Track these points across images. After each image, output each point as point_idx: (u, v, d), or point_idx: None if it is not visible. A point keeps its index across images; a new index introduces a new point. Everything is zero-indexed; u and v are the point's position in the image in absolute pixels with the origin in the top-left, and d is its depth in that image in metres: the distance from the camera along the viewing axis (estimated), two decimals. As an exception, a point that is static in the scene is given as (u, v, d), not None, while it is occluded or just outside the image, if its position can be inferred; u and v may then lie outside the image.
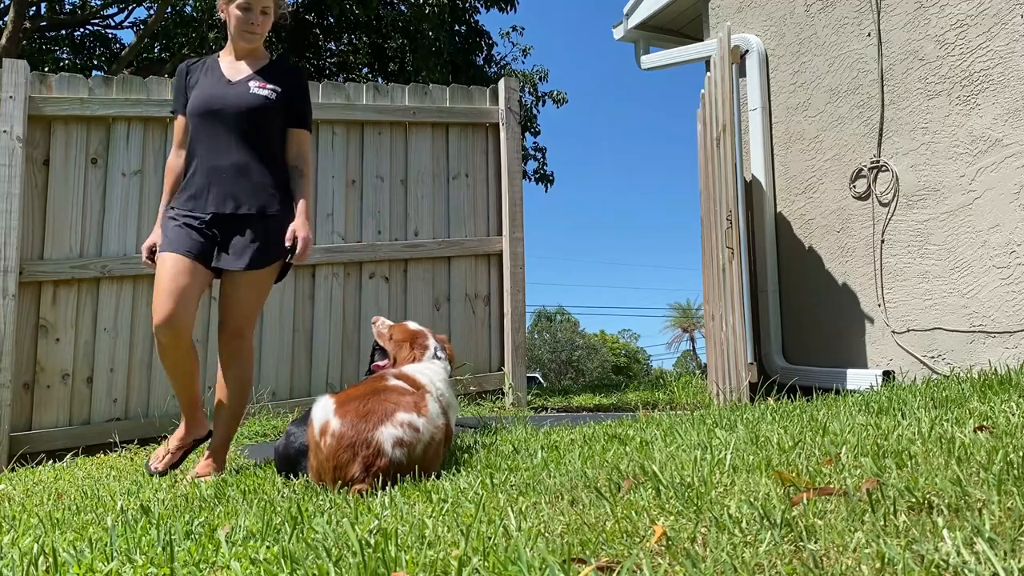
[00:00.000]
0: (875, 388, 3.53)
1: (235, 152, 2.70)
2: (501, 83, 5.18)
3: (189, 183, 2.72)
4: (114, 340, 4.14)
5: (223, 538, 1.36)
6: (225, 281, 2.74)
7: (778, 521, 1.08)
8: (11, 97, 3.96)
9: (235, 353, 2.75)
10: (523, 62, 17.17)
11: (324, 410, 2.08)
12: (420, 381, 2.32)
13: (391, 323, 2.76)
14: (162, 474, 2.78)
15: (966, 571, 0.84)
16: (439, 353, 2.59)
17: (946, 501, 1.11)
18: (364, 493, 1.87)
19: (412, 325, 2.73)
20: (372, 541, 1.20)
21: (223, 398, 2.75)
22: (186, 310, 2.60)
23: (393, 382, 2.24)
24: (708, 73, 4.97)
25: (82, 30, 14.30)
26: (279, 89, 2.77)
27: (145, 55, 13.99)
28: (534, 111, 14.92)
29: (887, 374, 3.98)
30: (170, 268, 2.61)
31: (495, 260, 5.06)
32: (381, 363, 2.75)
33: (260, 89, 2.75)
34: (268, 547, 1.27)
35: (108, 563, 1.25)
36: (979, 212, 3.67)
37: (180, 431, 2.86)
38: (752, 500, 1.23)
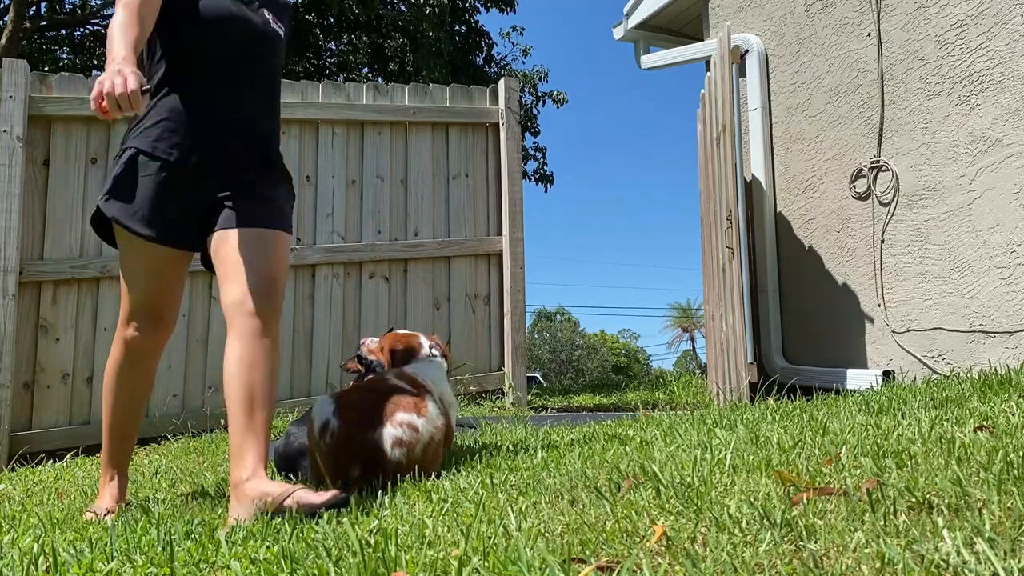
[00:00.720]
0: (875, 388, 3.53)
1: (254, 96, 2.11)
2: (501, 83, 5.18)
3: (178, 124, 1.96)
4: (114, 340, 4.14)
5: (223, 538, 1.36)
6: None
7: (778, 521, 1.08)
8: (11, 97, 3.96)
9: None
10: (523, 62, 17.18)
11: (324, 410, 2.08)
12: (420, 381, 2.32)
13: (377, 338, 2.75)
14: None
15: (966, 571, 0.84)
16: (434, 351, 2.57)
17: (946, 501, 1.11)
18: (364, 493, 1.87)
19: (400, 332, 2.73)
20: (372, 541, 1.20)
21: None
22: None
23: (393, 382, 2.24)
24: (708, 73, 4.97)
25: (82, 30, 14.30)
26: (284, 30, 2.22)
27: (145, 55, 13.97)
28: (534, 111, 14.93)
29: (887, 374, 3.98)
30: (152, 257, 2.00)
31: (495, 260, 5.06)
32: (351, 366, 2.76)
33: (276, 25, 2.15)
34: (268, 547, 1.27)
35: (108, 563, 1.25)
36: (979, 212, 3.67)
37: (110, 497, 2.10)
38: (752, 500, 1.23)
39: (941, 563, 0.87)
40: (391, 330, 2.71)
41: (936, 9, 3.91)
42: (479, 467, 2.11)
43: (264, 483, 1.71)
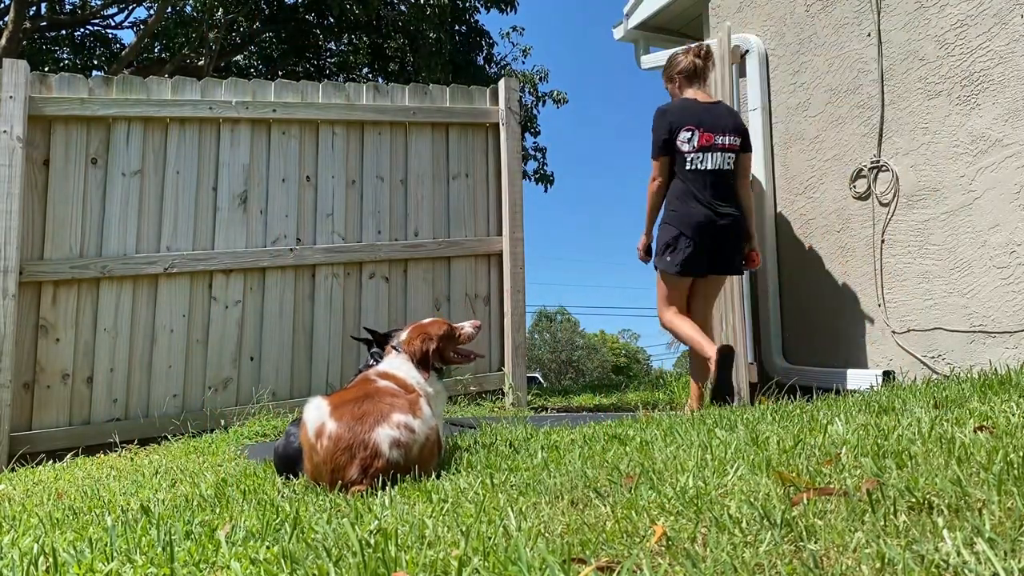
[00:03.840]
0: (875, 388, 3.53)
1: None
2: (501, 83, 5.18)
3: None
4: (114, 340, 4.14)
5: (223, 538, 1.36)
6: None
7: (778, 521, 1.08)
8: (11, 97, 3.96)
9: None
10: (523, 62, 17.20)
11: (318, 412, 2.07)
12: (405, 380, 2.31)
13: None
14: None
15: (966, 571, 0.84)
16: (396, 346, 2.53)
17: (946, 501, 1.10)
18: (364, 494, 1.87)
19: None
20: (372, 541, 1.20)
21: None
22: None
23: (382, 383, 2.24)
24: (708, 73, 4.96)
25: (82, 30, 14.31)
26: None
27: (145, 55, 14.00)
28: (534, 111, 14.93)
29: (887, 374, 3.98)
30: None
31: (495, 260, 5.06)
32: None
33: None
34: (268, 547, 1.27)
35: (108, 563, 1.25)
36: (979, 212, 3.67)
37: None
38: (752, 500, 1.23)
39: (941, 563, 0.87)
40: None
41: (936, 9, 3.91)
42: (479, 467, 2.11)
43: None
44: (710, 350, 3.27)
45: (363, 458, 1.95)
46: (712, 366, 3.24)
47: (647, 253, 3.64)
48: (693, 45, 3.77)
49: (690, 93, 3.62)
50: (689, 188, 3.42)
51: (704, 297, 3.57)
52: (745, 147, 3.59)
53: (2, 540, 1.56)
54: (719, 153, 3.46)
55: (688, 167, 3.45)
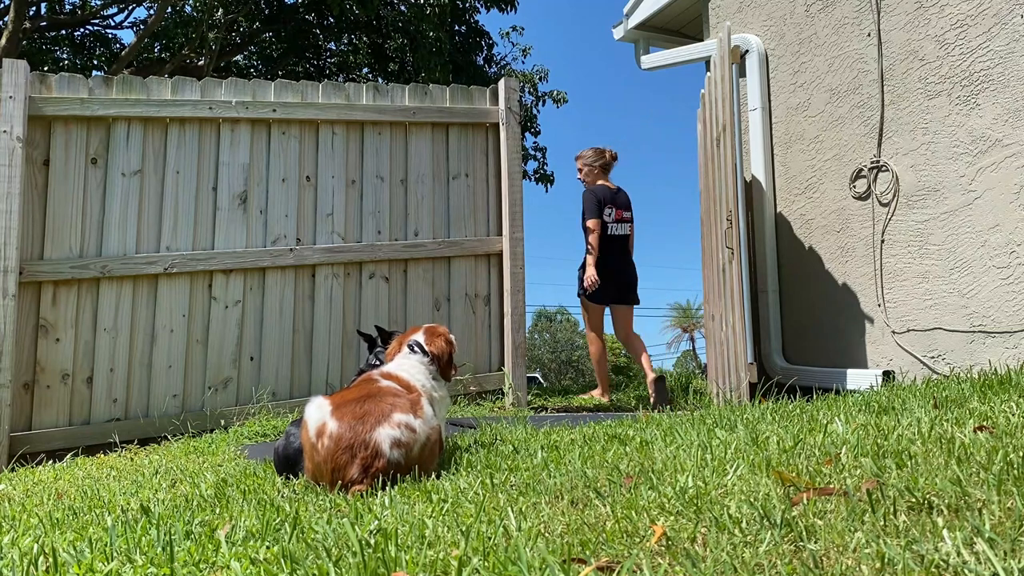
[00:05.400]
0: (875, 388, 3.53)
1: None
2: (501, 83, 5.18)
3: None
4: (114, 340, 4.14)
5: (223, 538, 1.36)
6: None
7: (778, 521, 1.08)
8: (11, 97, 3.96)
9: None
10: (523, 62, 17.21)
11: (320, 412, 2.07)
12: (409, 381, 2.31)
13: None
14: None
15: (966, 571, 0.84)
16: (415, 347, 2.54)
17: (946, 501, 1.11)
18: (364, 494, 1.87)
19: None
20: (372, 541, 1.20)
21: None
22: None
23: (384, 383, 2.24)
24: (708, 73, 4.97)
25: (82, 30, 14.30)
26: None
27: (145, 55, 14.00)
28: (534, 111, 14.92)
29: (887, 374, 3.98)
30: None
31: (495, 260, 5.06)
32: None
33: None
34: (268, 547, 1.27)
35: (108, 563, 1.25)
36: (979, 212, 3.67)
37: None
38: (752, 500, 1.23)
39: (941, 563, 0.87)
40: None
41: (936, 9, 3.91)
42: (479, 467, 2.11)
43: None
44: (602, 390, 5.18)
45: (364, 458, 1.95)
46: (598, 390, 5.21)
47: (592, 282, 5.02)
48: (609, 148, 5.23)
49: (602, 181, 5.13)
50: (608, 247, 4.97)
51: (622, 319, 5.13)
52: (631, 219, 5.19)
53: (2, 540, 1.56)
54: (624, 224, 5.08)
55: (608, 232, 4.99)
